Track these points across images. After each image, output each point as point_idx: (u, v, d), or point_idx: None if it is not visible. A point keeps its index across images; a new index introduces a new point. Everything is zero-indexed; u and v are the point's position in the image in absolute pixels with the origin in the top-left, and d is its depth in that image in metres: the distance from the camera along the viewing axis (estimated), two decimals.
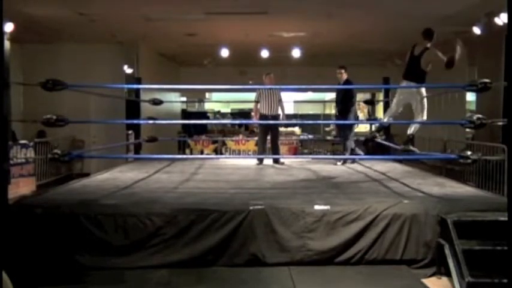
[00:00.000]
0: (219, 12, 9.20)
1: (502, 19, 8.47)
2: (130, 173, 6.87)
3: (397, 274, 4.29)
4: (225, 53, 12.77)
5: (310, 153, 12.77)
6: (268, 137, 8.44)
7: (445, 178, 6.99)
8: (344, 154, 8.35)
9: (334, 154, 12.73)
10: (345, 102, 8.24)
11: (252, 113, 9.30)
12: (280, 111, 8.42)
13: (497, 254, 3.98)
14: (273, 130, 8.41)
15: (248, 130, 15.22)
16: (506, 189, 6.30)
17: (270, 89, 8.25)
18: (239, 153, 12.55)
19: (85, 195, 5.09)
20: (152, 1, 8.52)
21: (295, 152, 12.53)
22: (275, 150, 8.44)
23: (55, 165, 9.91)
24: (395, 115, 6.62)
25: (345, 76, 8.24)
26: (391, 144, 7.37)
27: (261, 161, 8.33)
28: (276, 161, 8.35)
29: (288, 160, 8.72)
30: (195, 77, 15.35)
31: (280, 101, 8.36)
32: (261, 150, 8.59)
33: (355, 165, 7.95)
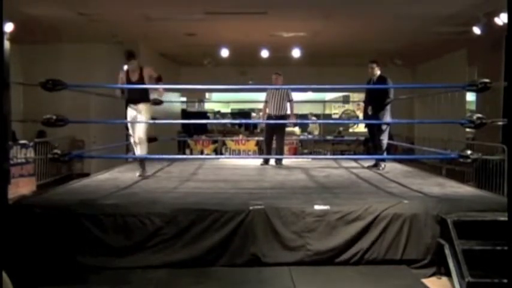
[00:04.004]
0: (219, 12, 9.20)
1: (502, 19, 8.47)
2: (130, 173, 6.87)
3: (397, 274, 4.29)
4: (225, 53, 12.77)
5: (310, 153, 12.75)
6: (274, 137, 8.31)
7: (445, 178, 6.99)
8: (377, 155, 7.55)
9: (334, 154, 12.75)
10: (380, 100, 7.28)
11: (260, 113, 9.11)
12: (289, 112, 8.22)
13: (497, 254, 3.97)
14: (277, 131, 8.26)
15: (248, 130, 15.21)
16: (506, 189, 6.32)
17: (277, 89, 8.12)
18: (239, 153, 12.54)
19: (85, 195, 5.09)
20: (152, 1, 8.51)
21: (295, 152, 12.51)
22: (279, 150, 8.31)
23: (55, 165, 9.92)
24: None
25: (377, 71, 7.41)
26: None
27: (266, 161, 8.28)
28: (278, 161, 8.29)
29: (288, 160, 8.69)
30: (195, 77, 15.34)
31: (290, 101, 8.18)
32: (265, 150, 8.50)
33: (356, 165, 7.93)
